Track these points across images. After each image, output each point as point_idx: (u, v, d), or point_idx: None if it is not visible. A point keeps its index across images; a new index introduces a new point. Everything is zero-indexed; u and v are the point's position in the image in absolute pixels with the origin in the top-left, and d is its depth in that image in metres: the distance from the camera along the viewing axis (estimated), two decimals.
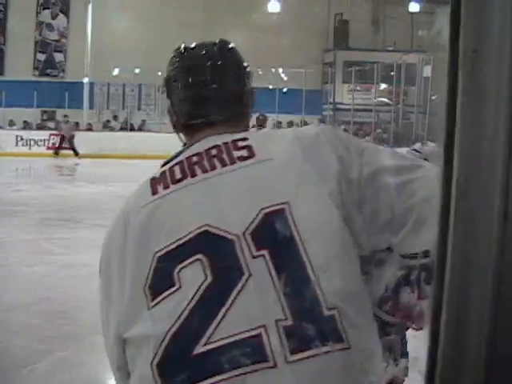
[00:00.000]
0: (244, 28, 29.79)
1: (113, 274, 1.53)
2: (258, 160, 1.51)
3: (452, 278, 0.77)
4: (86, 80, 30.84)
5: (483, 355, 0.76)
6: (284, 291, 1.36)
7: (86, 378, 5.05)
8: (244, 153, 1.53)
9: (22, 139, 27.99)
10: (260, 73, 29.84)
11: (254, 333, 1.33)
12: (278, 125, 29.09)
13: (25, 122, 29.56)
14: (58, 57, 32.07)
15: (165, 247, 1.44)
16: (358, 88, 30.08)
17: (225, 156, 1.53)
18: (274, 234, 1.41)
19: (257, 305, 1.36)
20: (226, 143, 1.56)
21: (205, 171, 1.52)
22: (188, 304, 1.38)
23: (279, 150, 1.53)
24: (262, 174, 1.50)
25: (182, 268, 1.40)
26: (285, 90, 31.19)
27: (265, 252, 1.39)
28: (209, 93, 1.67)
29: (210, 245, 1.42)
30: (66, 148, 27.37)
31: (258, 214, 1.42)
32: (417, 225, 1.44)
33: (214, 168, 1.52)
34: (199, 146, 1.60)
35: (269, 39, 29.76)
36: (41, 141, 27.97)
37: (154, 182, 1.57)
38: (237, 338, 1.34)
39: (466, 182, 0.78)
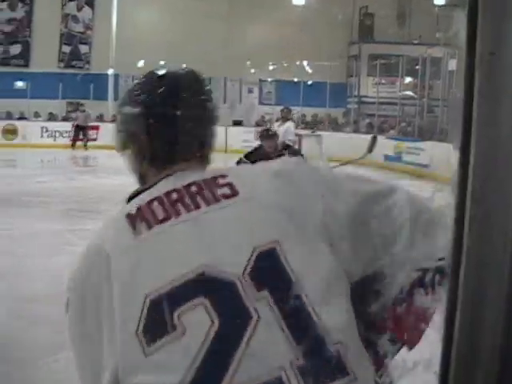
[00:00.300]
0: (269, 20, 29.77)
1: (96, 314, 1.45)
2: (243, 198, 1.49)
3: (467, 279, 0.77)
4: (110, 72, 30.96)
5: (497, 357, 0.76)
6: (290, 331, 1.36)
7: None
8: (227, 190, 1.50)
9: (47, 131, 28.18)
10: (285, 65, 29.85)
11: (274, 376, 1.33)
12: (303, 118, 29.07)
13: (50, 113, 29.74)
14: (84, 49, 32.23)
15: (157, 290, 1.38)
16: (383, 81, 29.96)
17: (207, 194, 1.50)
18: (270, 274, 1.41)
19: (271, 348, 1.35)
20: (205, 180, 1.53)
21: (189, 210, 1.47)
22: (198, 351, 1.33)
23: (262, 188, 1.53)
24: (248, 213, 1.48)
25: (183, 312, 1.36)
26: (309, 83, 31.16)
27: (266, 293, 1.38)
28: (191, 126, 1.63)
29: (211, 287, 1.38)
30: (81, 140, 27.53)
31: (252, 254, 1.40)
32: (407, 243, 1.48)
33: (198, 207, 1.48)
34: (174, 182, 1.55)
35: (293, 32, 29.71)
36: (66, 132, 28.14)
37: (133, 220, 1.49)
38: (258, 381, 1.32)
39: (482, 182, 0.78)
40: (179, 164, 1.60)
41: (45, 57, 30.83)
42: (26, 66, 31.68)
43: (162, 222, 1.46)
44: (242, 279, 1.38)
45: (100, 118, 29.67)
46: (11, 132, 28.31)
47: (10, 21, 31.94)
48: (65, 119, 29.54)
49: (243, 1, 30.51)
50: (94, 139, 27.84)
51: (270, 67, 30.02)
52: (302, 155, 9.79)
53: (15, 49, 31.83)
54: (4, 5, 31.96)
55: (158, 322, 1.36)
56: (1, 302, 6.57)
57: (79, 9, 32.06)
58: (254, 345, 1.34)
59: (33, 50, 31.61)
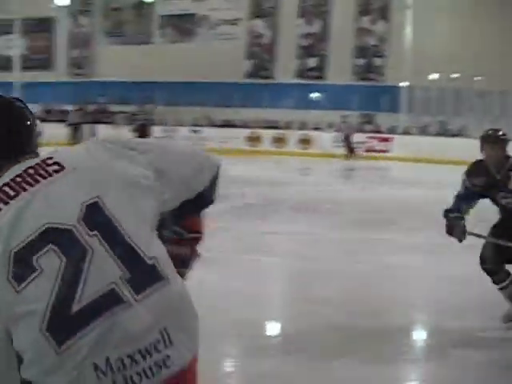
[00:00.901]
0: None
1: None
2: (69, 170, 2.04)
3: None
4: (404, 84, 31.08)
5: None
6: (117, 256, 1.93)
7: None
8: (56, 167, 2.04)
9: (338, 141, 28.87)
10: None
11: (109, 288, 1.88)
12: None
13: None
14: (377, 61, 32.63)
15: (18, 245, 1.89)
16: None
17: (42, 172, 2.03)
18: (97, 219, 1.96)
19: (104, 270, 1.90)
20: (37, 164, 2.05)
21: (32, 185, 2.00)
22: (55, 282, 1.85)
23: (81, 160, 2.09)
24: (74, 179, 2.03)
25: (40, 257, 1.87)
26: None
27: (96, 232, 1.94)
28: (24, 131, 2.16)
29: (56, 237, 1.91)
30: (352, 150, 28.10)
31: (81, 208, 1.96)
32: (198, 183, 2.18)
33: (37, 182, 2.00)
34: (14, 171, 2.04)
35: None
36: (360, 143, 28.65)
37: None
38: (99, 293, 1.87)
39: None
40: (16, 161, 2.08)
41: (339, 69, 31.66)
42: (321, 78, 32.72)
43: (13, 197, 1.97)
44: (77, 226, 1.93)
45: (392, 131, 29.87)
46: (305, 142, 29.72)
47: (306, 35, 33.23)
48: (359, 131, 29.95)
49: None
50: (385, 151, 28.17)
51: None
52: None
53: (312, 62, 33.06)
54: (301, 20, 33.31)
55: (22, 267, 1.87)
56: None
57: (373, 22, 32.55)
58: (92, 270, 1.88)
59: (328, 62, 32.57)
